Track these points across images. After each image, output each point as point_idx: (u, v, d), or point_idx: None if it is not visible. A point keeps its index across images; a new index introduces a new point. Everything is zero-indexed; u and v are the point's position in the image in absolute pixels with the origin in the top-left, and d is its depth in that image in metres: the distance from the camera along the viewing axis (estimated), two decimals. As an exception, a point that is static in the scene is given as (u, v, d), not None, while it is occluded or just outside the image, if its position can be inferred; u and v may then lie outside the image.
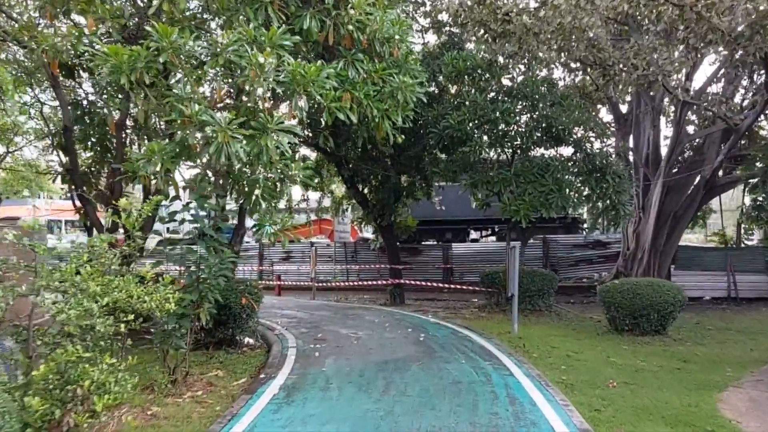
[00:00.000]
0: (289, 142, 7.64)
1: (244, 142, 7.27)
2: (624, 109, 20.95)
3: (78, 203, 12.03)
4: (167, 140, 7.80)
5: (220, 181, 8.61)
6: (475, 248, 24.46)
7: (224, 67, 7.54)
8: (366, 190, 17.07)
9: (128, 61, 7.11)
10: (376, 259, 22.76)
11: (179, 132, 7.32)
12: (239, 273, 24.42)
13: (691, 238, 34.55)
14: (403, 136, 9.73)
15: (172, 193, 8.94)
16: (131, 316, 5.85)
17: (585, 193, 13.72)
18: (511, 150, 14.42)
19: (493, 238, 27.52)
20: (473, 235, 27.91)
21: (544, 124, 13.33)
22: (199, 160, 7.98)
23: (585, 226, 25.21)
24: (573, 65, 12.85)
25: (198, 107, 7.11)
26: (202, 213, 8.45)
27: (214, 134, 7.02)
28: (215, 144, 6.99)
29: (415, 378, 7.59)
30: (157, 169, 7.13)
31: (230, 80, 8.11)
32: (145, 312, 6.39)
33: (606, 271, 21.21)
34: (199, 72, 7.57)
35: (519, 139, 13.89)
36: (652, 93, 19.02)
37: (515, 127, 13.56)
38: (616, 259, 20.80)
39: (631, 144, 19.24)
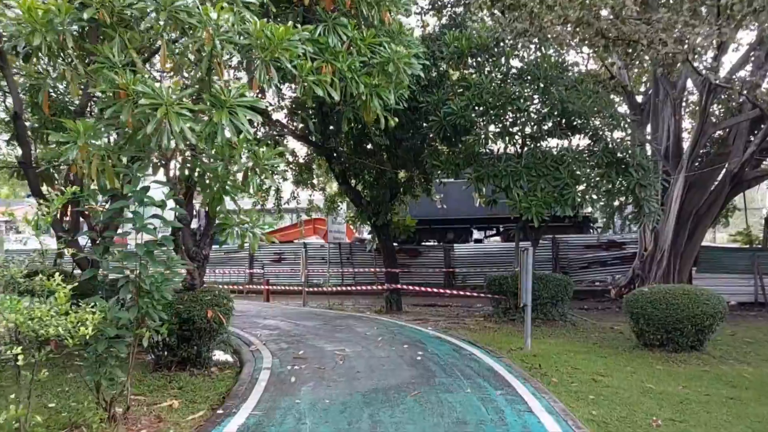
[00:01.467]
0: (252, 120, 6.12)
1: (196, 120, 5.80)
2: (640, 98, 19.47)
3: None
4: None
5: (174, 173, 7.10)
6: (479, 249, 22.95)
7: (169, 26, 6.02)
8: (360, 187, 15.55)
9: (44, 17, 5.61)
10: (372, 262, 21.26)
11: (111, 108, 5.79)
12: (218, 276, 22.96)
13: (713, 237, 32.95)
14: (396, 119, 8.20)
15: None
16: (17, 349, 4.34)
17: (605, 188, 12.17)
18: (520, 140, 12.89)
19: (498, 238, 25.96)
20: (476, 235, 26.35)
21: (557, 111, 11.80)
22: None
23: (596, 225, 23.64)
24: (591, 43, 11.29)
25: (133, 76, 5.60)
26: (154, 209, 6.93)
27: (153, 110, 5.52)
28: (154, 121, 5.48)
29: (409, 416, 6.06)
30: (80, 155, 5.62)
31: (178, 44, 6.60)
32: (54, 337, 4.92)
33: (621, 274, 19.67)
34: (136, 32, 6.06)
35: (530, 128, 12.37)
36: (673, 79, 17.49)
37: (525, 114, 12.02)
38: (631, 261, 19.26)
39: (648, 136, 17.70)
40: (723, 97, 17.42)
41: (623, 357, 9.34)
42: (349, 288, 18.77)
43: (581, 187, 11.91)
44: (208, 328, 8.31)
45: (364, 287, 18.48)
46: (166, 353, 8.55)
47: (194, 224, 31.71)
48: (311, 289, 19.19)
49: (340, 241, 23.21)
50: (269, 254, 24.12)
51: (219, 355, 9.52)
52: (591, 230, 23.31)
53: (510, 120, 12.16)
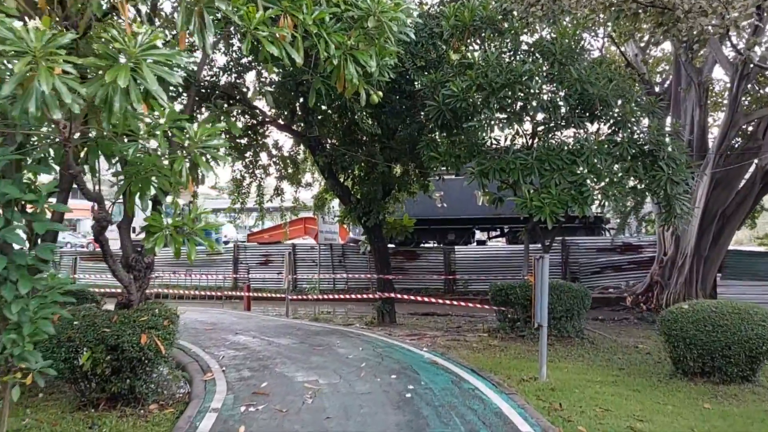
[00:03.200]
0: (171, 83, 4.39)
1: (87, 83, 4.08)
2: (656, 89, 17.72)
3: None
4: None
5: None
6: (482, 252, 21.19)
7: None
8: (349, 183, 13.83)
9: None
10: (367, 265, 19.53)
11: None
12: (199, 281, 21.22)
13: (737, 239, 31.01)
14: (380, 95, 6.46)
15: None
16: None
17: (629, 184, 10.42)
18: (531, 128, 11.16)
19: (503, 240, 24.22)
20: (479, 236, 24.61)
21: (575, 94, 10.06)
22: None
23: (609, 226, 21.91)
24: (619, 8, 9.57)
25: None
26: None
27: (12, 62, 3.80)
28: (14, 79, 3.75)
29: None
30: None
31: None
32: None
33: (637, 280, 17.92)
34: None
35: (542, 113, 10.62)
36: (699, 65, 15.76)
37: (537, 97, 10.27)
38: (649, 265, 17.51)
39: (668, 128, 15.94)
40: (751, 85, 15.75)
41: (660, 391, 7.59)
42: (340, 297, 17.02)
43: (602, 184, 10.15)
44: (142, 357, 6.58)
45: (355, 296, 16.74)
46: (93, 386, 6.84)
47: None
48: (298, 297, 17.46)
49: (331, 242, 21.48)
50: (256, 256, 22.41)
51: (166, 385, 7.81)
52: (603, 232, 21.57)
53: (519, 104, 10.40)
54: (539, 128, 10.90)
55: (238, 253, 22.49)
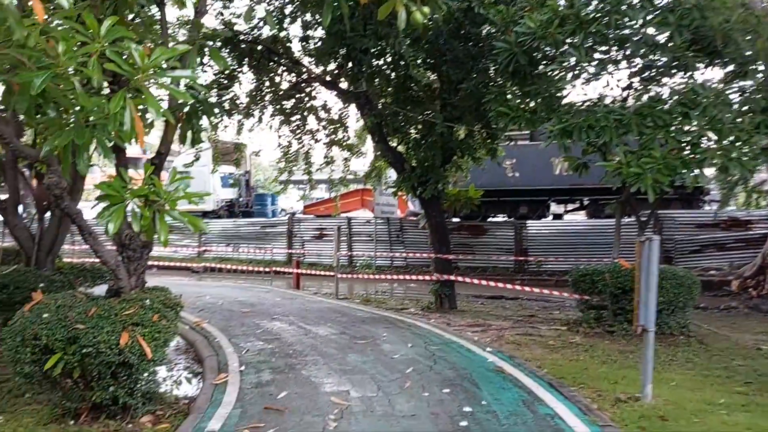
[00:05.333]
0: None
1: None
2: None
3: None
4: None
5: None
6: (559, 227, 19.00)
7: None
8: (402, 147, 12.01)
9: None
10: (427, 241, 17.79)
11: None
12: (254, 255, 20.11)
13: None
14: (426, 11, 4.60)
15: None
16: None
17: (763, 142, 8.10)
18: (628, 76, 9.00)
19: (583, 214, 21.80)
20: (555, 209, 22.27)
21: (689, 26, 7.81)
22: None
23: (709, 198, 19.10)
24: None
25: None
26: None
27: None
28: None
29: None
30: None
31: None
32: None
33: (743, 261, 15.33)
34: None
35: (644, 56, 8.43)
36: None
37: (639, 30, 8.08)
38: (760, 244, 14.86)
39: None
40: None
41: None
42: (395, 277, 15.40)
43: (724, 143, 7.91)
44: (123, 362, 5.13)
45: (411, 276, 15.07)
46: (73, 394, 5.47)
47: (230, 193, 29.34)
48: (351, 276, 15.99)
49: (389, 216, 19.81)
50: (310, 230, 21.10)
51: (165, 391, 6.42)
52: (702, 204, 18.84)
53: (615, 42, 8.25)
54: (643, 74, 8.71)
55: (292, 225, 21.24)
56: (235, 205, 27.51)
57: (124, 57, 3.36)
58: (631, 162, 7.91)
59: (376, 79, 11.01)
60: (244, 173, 27.91)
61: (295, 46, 12.69)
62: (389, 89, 11.46)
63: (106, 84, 4.41)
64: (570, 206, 21.96)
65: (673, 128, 7.91)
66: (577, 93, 9.20)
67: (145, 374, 5.41)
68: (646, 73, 8.84)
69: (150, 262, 19.87)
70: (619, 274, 9.03)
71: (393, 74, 11.23)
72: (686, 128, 7.95)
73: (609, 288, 9.08)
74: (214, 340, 8.37)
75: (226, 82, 12.51)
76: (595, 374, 6.95)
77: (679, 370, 7.38)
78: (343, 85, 12.15)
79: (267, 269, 16.85)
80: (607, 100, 9.07)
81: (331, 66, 12.10)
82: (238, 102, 13.07)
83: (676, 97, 8.06)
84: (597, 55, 8.36)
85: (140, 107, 3.51)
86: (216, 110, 5.51)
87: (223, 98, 12.60)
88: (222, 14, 12.27)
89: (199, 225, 4.26)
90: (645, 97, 8.70)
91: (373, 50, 10.28)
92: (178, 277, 18.47)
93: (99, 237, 5.61)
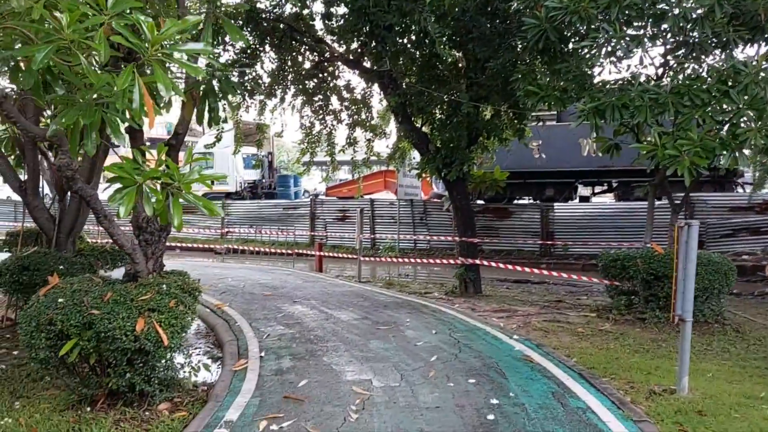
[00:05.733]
0: None
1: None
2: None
3: None
4: None
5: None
6: (586, 210, 18.52)
7: None
8: (426, 128, 11.72)
9: None
10: (451, 224, 17.52)
11: None
12: (278, 237, 20.06)
13: None
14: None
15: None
16: None
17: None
18: (663, 52, 8.58)
19: (611, 196, 21.29)
20: (582, 191, 21.78)
21: (728, 1, 7.37)
22: None
23: (742, 180, 18.48)
24: None
25: None
26: None
27: None
28: None
29: None
30: None
31: None
32: None
33: (779, 246, 14.83)
34: None
35: (681, 29, 7.99)
36: None
37: (680, 4, 7.65)
38: (798, 229, 14.37)
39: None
40: None
41: None
42: (418, 260, 15.17)
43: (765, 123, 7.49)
44: (139, 348, 5.01)
45: (434, 260, 14.83)
46: (89, 381, 5.38)
47: (253, 175, 29.24)
48: (374, 259, 15.81)
49: (411, 198, 19.54)
50: (333, 212, 20.94)
51: (184, 378, 6.32)
52: (735, 187, 18.23)
53: (651, 17, 7.85)
54: (679, 51, 8.28)
55: (315, 207, 21.11)
56: (258, 187, 27.44)
57: (135, 31, 3.16)
58: (667, 143, 7.57)
59: (401, 58, 10.71)
60: (266, 154, 27.80)
61: (318, 25, 12.44)
62: (413, 68, 11.14)
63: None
64: (598, 188, 21.46)
65: (710, 108, 7.53)
66: (609, 71, 8.82)
67: (162, 361, 5.29)
68: (683, 50, 8.40)
69: (173, 244, 19.97)
70: (651, 260, 8.71)
71: (417, 53, 10.92)
72: (725, 107, 7.57)
73: (641, 274, 8.76)
74: (234, 324, 8.27)
75: (247, 61, 12.32)
76: (627, 364, 6.68)
77: (715, 361, 7.08)
78: (367, 64, 11.88)
79: (289, 251, 16.74)
80: (641, 78, 8.69)
81: (354, 45, 11.83)
82: (260, 82, 12.88)
83: (715, 75, 7.65)
84: (631, 31, 7.93)
85: (152, 84, 3.32)
86: (235, 89, 5.28)
87: (245, 78, 12.44)
88: (244, -10, 12.02)
89: (214, 209, 4.08)
90: (681, 76, 8.33)
91: (397, 27, 9.99)
92: (201, 259, 18.50)
93: (115, 219, 5.48)
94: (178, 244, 19.44)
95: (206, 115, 5.10)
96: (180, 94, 3.51)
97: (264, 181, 27.98)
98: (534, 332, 8.25)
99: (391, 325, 8.18)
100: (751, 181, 17.49)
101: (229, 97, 5.20)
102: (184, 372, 6.19)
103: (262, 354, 6.76)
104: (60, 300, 5.08)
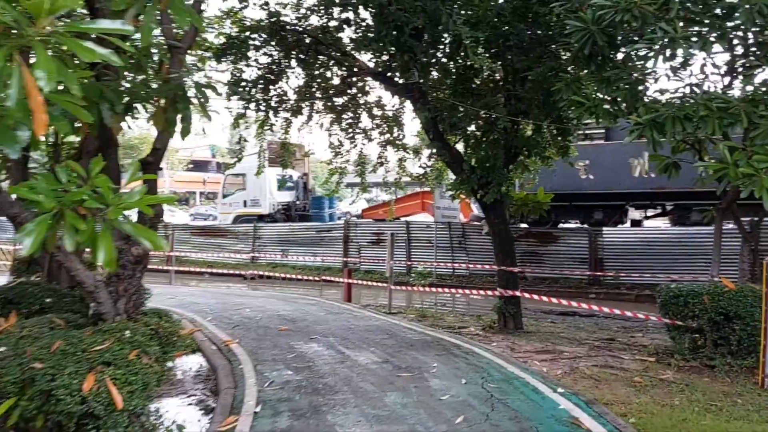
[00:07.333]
0: None
1: None
2: None
3: None
4: None
5: None
6: (639, 235, 17.04)
7: None
8: (461, 146, 10.69)
9: None
10: (492, 249, 16.35)
11: None
12: (310, 262, 19.19)
13: None
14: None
15: None
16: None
17: None
18: (732, 55, 7.37)
19: (666, 220, 19.70)
20: (634, 215, 20.25)
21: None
22: None
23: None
24: None
25: None
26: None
27: None
28: None
29: None
30: None
31: None
32: None
33: None
34: None
35: (756, 27, 6.80)
36: None
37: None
38: None
39: None
40: None
41: None
42: (453, 291, 14.03)
43: None
44: (85, 412, 4.11)
45: (470, 291, 13.70)
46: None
47: (287, 196, 28.69)
48: (406, 288, 14.74)
49: (450, 221, 18.44)
50: (367, 234, 20.03)
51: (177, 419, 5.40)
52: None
53: (719, 14, 6.68)
54: (750, 54, 7.08)
55: (348, 230, 20.23)
56: (292, 209, 26.77)
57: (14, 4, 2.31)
58: (740, 161, 6.38)
59: (431, 69, 9.77)
60: (301, 175, 27.19)
61: (345, 39, 11.68)
62: (446, 80, 10.18)
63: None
64: (651, 212, 19.89)
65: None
66: (667, 78, 7.67)
67: (119, 428, 4.36)
68: (755, 51, 7.19)
69: (201, 269, 19.22)
70: (721, 297, 7.42)
71: (451, 63, 9.97)
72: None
73: (708, 313, 7.47)
74: (238, 366, 7.34)
75: (272, 77, 11.67)
76: (699, 429, 5.44)
77: (809, 428, 5.75)
78: (396, 78, 11.00)
79: (316, 278, 15.85)
80: (706, 86, 7.50)
81: (384, 57, 11.00)
82: (285, 99, 12.18)
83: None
84: (695, 29, 6.78)
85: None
86: (206, 97, 4.39)
87: (270, 94, 11.81)
88: (267, 4, 11.41)
89: (157, 242, 3.17)
90: (755, 82, 7.13)
91: (425, 36, 9.08)
92: (227, 285, 17.79)
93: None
94: (208, 270, 18.81)
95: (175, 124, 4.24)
96: (71, 87, 2.58)
97: (298, 202, 27.32)
98: (582, 381, 7.06)
99: (415, 372, 7.11)
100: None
101: (202, 102, 4.32)
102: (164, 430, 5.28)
103: (258, 409, 5.78)
104: (1, 349, 4.26)
